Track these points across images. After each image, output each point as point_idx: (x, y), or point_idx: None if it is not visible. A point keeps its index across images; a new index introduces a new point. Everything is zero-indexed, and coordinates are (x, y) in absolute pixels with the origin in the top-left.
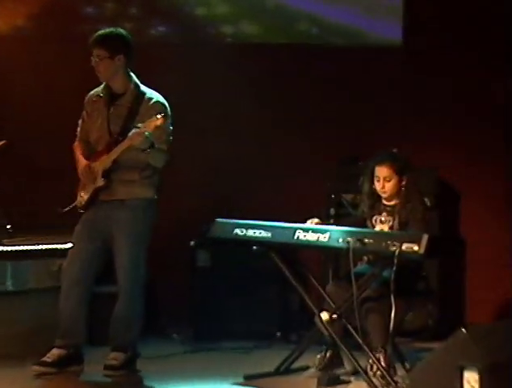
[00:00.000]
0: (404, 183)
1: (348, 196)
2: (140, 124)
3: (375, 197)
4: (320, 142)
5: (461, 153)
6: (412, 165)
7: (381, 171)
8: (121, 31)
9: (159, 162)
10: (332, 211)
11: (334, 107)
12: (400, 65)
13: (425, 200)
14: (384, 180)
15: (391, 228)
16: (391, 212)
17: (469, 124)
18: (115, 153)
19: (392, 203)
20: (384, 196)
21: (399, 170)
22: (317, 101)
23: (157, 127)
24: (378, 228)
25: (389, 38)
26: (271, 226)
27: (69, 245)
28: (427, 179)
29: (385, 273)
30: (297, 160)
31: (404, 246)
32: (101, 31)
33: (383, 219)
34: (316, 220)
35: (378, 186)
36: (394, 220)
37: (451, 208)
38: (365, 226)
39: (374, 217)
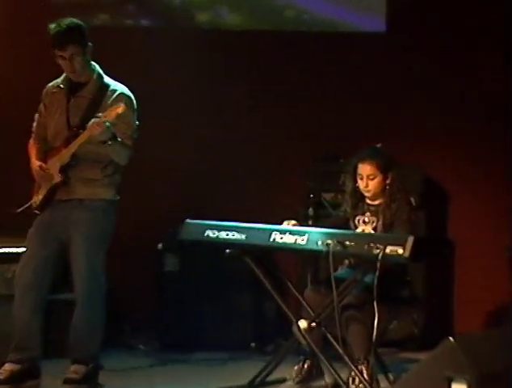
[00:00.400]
0: (388, 181)
1: (328, 196)
2: (100, 114)
3: (358, 196)
4: (298, 138)
5: (448, 150)
6: (397, 162)
7: (364, 169)
8: (76, 20)
9: (122, 159)
10: (311, 211)
11: (313, 101)
12: (386, 58)
13: (411, 199)
14: (367, 178)
15: (374, 229)
16: (375, 212)
17: (457, 120)
18: (73, 146)
19: (376, 202)
20: (367, 194)
21: (383, 168)
22: (294, 94)
23: (118, 116)
24: (361, 229)
25: (373, 30)
26: (246, 228)
27: (24, 249)
28: (413, 177)
29: (368, 278)
30: (273, 157)
31: (388, 249)
32: (58, 27)
33: (366, 219)
34: (293, 222)
35: (361, 184)
36: (378, 220)
37: (439, 208)
38: (347, 227)
39: (357, 218)
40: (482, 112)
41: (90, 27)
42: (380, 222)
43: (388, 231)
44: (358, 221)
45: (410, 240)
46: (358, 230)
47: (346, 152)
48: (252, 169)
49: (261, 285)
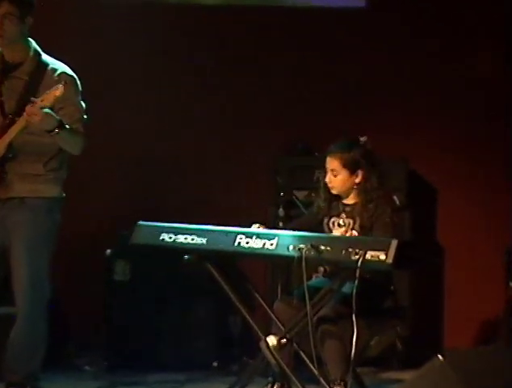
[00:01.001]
0: (358, 179)
1: (301, 194)
2: (36, 98)
3: (333, 195)
4: (266, 128)
5: (436, 142)
6: (375, 158)
7: (328, 162)
8: None
9: (75, 148)
10: (281, 212)
11: (284, 86)
12: (366, 37)
13: (395, 198)
14: (331, 173)
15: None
16: (350, 213)
17: (446, 107)
18: (8, 136)
19: (352, 202)
20: (333, 192)
21: (348, 164)
22: (264, 77)
23: (56, 98)
24: (337, 232)
25: (352, 5)
26: (207, 230)
27: None
28: (396, 172)
29: (346, 288)
30: (237, 151)
31: (368, 255)
32: None
33: (341, 222)
34: (259, 225)
35: (326, 179)
36: (355, 223)
37: (426, 208)
38: (320, 229)
39: (331, 220)
40: (474, 100)
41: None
42: (357, 225)
43: (366, 235)
44: (333, 224)
45: (394, 244)
46: (336, 233)
47: (321, 144)
48: (214, 164)
49: (224, 296)
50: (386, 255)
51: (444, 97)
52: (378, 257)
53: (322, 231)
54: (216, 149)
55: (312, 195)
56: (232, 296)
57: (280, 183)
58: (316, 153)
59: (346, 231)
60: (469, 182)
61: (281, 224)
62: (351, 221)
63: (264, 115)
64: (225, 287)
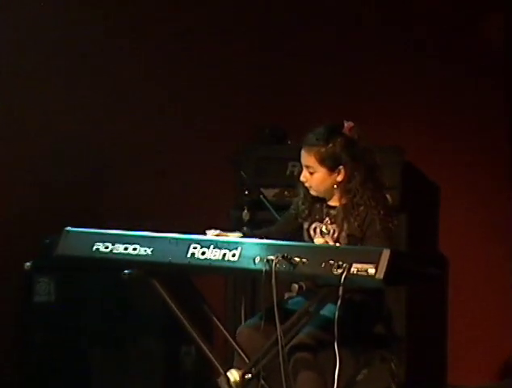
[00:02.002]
0: (339, 178)
1: (270, 192)
2: None
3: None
4: (226, 111)
5: (437, 127)
6: (364, 149)
7: (303, 157)
8: None
9: None
10: (245, 215)
11: (247, 59)
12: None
13: (388, 199)
14: (306, 170)
15: (335, 242)
16: (335, 218)
17: (449, 89)
18: None
19: (336, 203)
20: (312, 192)
21: (326, 160)
22: (221, 52)
23: None
24: (319, 241)
25: None
26: (153, 238)
27: None
28: (388, 165)
29: (326, 310)
30: (190, 140)
31: (354, 268)
32: None
33: (324, 229)
34: (218, 232)
35: (302, 177)
36: (341, 231)
37: (425, 209)
38: (300, 238)
39: (313, 225)
40: (481, 75)
41: None
42: (344, 234)
43: (354, 244)
44: (314, 231)
45: (385, 255)
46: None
47: (295, 130)
48: (162, 157)
49: (175, 321)
50: (376, 268)
51: (446, 74)
52: (366, 271)
53: (301, 240)
54: (164, 139)
55: (285, 193)
56: (183, 320)
57: (244, 179)
58: (289, 142)
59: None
60: (478, 178)
61: (245, 229)
62: (336, 229)
63: (223, 95)
64: (175, 309)
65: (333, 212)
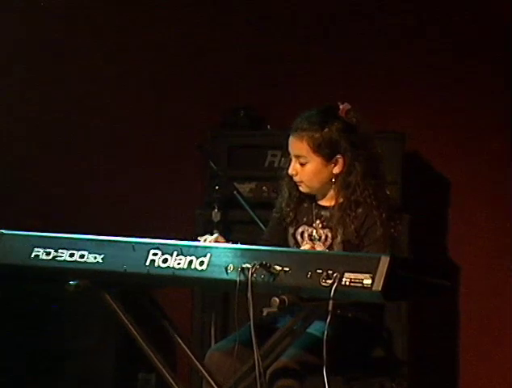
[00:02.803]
0: (336, 170)
1: (245, 188)
2: None
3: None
4: (193, 92)
5: (443, 115)
6: (365, 136)
7: (292, 145)
8: None
9: None
10: (215, 215)
11: (218, 34)
12: None
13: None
14: (296, 161)
15: (328, 249)
16: (328, 220)
17: (457, 65)
18: None
19: (330, 203)
20: (301, 189)
21: (322, 148)
22: (187, 25)
23: None
24: (306, 247)
25: None
26: (104, 243)
27: None
28: (388, 155)
29: (313, 328)
30: (151, 125)
31: (346, 279)
32: None
33: (314, 234)
34: (215, 236)
35: (290, 170)
36: (334, 236)
37: (433, 208)
38: (285, 241)
39: (300, 229)
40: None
41: None
42: (338, 240)
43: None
44: (302, 236)
45: (384, 263)
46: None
47: (275, 113)
48: (117, 146)
49: (132, 343)
50: (373, 278)
51: (458, 50)
52: (361, 282)
53: (287, 245)
54: (120, 125)
55: (264, 188)
56: (141, 342)
57: (214, 172)
58: (269, 126)
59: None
60: (494, 170)
61: (215, 233)
62: (329, 234)
63: (189, 73)
64: (132, 328)
65: (325, 213)
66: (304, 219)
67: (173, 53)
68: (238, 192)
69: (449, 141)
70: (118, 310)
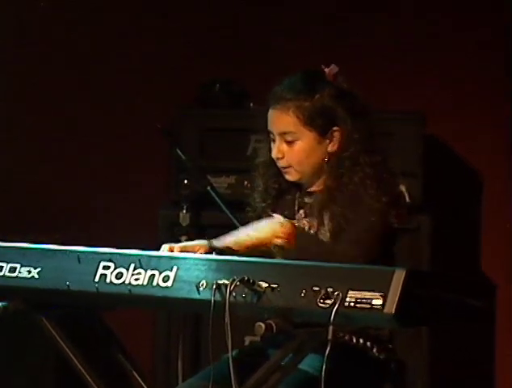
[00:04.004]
0: (333, 147)
1: (223, 182)
2: None
3: (281, 179)
4: (158, 61)
5: (462, 96)
6: (360, 102)
7: (274, 120)
8: None
9: None
10: (184, 217)
11: None
12: None
13: (402, 189)
14: (281, 140)
15: None
16: (313, 207)
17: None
18: None
19: (317, 188)
20: (287, 176)
21: (313, 119)
22: None
23: None
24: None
25: None
26: (41, 253)
27: None
28: (403, 139)
29: (307, 363)
30: (106, 105)
31: (351, 298)
32: None
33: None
34: (182, 244)
35: (274, 153)
36: (319, 225)
37: (461, 209)
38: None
39: None
40: None
41: None
42: (326, 227)
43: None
44: None
45: (399, 277)
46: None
47: (262, 87)
48: (60, 131)
49: (76, 378)
50: (384, 298)
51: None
52: (369, 303)
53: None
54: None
55: (245, 183)
56: (90, 380)
57: (182, 162)
58: (252, 105)
59: None
60: None
61: (184, 239)
62: (314, 222)
63: (149, 37)
64: (76, 362)
65: (308, 200)
66: (286, 213)
67: (135, 17)
68: (213, 188)
69: (478, 123)
70: (58, 339)
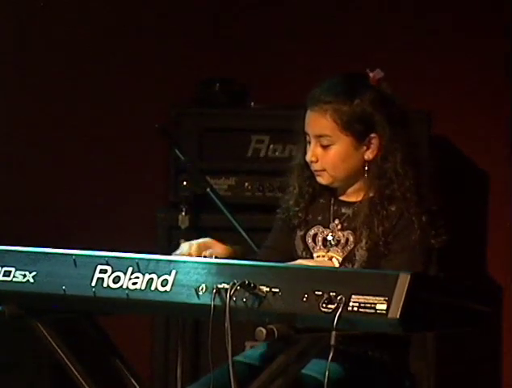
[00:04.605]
0: (371, 154)
1: (222, 184)
2: None
3: (316, 184)
4: (157, 60)
5: (468, 95)
6: (403, 111)
7: (311, 122)
8: None
9: None
10: (182, 219)
11: None
12: None
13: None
14: (316, 143)
15: (348, 259)
16: (349, 220)
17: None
18: None
19: (356, 198)
20: (320, 180)
21: (351, 124)
22: None
23: None
24: (318, 258)
25: None
26: (35, 257)
27: None
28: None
29: (310, 369)
30: (101, 104)
31: (354, 303)
32: None
33: (330, 237)
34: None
35: (308, 156)
36: (359, 240)
37: (467, 212)
38: (289, 252)
39: (311, 231)
40: None
41: None
42: (363, 245)
43: (375, 263)
44: (314, 240)
45: (403, 282)
46: (315, 259)
47: (263, 85)
48: (52, 130)
49: (71, 383)
50: (388, 302)
51: None
52: (373, 307)
53: (290, 257)
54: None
55: (246, 185)
56: (85, 385)
57: (181, 163)
58: (253, 104)
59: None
60: None
61: (182, 242)
62: (351, 237)
63: (149, 35)
64: (73, 369)
65: (347, 211)
66: (319, 218)
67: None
68: (212, 190)
69: (486, 122)
70: (54, 345)
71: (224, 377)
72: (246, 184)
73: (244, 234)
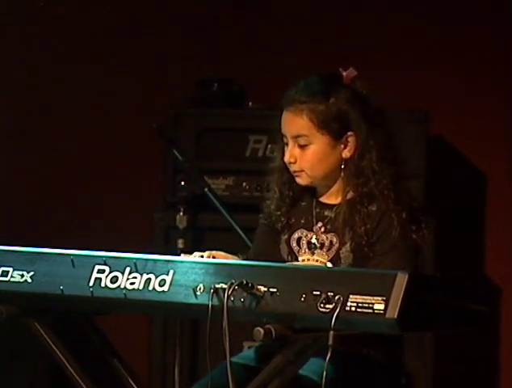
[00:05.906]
0: (348, 152)
1: (220, 184)
2: None
3: (301, 187)
4: (155, 60)
5: (470, 96)
6: (378, 109)
7: (287, 122)
8: None
9: None
10: (180, 219)
11: None
12: None
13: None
14: (294, 144)
15: (334, 263)
16: (332, 222)
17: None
18: None
19: (336, 200)
20: (299, 181)
21: (327, 123)
22: None
23: None
24: (302, 261)
25: None
26: (33, 257)
27: None
28: (406, 139)
29: (308, 369)
30: (99, 105)
31: (352, 303)
32: None
33: (314, 240)
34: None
35: (286, 157)
36: (343, 242)
37: (465, 212)
38: (278, 254)
39: (295, 235)
40: None
41: None
42: (347, 247)
43: (360, 264)
44: (299, 243)
45: (401, 281)
46: (299, 262)
47: (260, 86)
48: (48, 128)
49: (69, 383)
50: (386, 302)
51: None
52: (371, 307)
53: (278, 259)
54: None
55: (244, 185)
56: (83, 385)
57: (179, 163)
58: (251, 104)
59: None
60: None
61: (181, 244)
62: (334, 239)
63: (150, 38)
64: (70, 369)
65: (329, 213)
66: (302, 221)
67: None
68: (210, 190)
69: (485, 122)
70: (52, 345)
71: (221, 378)
72: (244, 184)
73: (242, 234)
